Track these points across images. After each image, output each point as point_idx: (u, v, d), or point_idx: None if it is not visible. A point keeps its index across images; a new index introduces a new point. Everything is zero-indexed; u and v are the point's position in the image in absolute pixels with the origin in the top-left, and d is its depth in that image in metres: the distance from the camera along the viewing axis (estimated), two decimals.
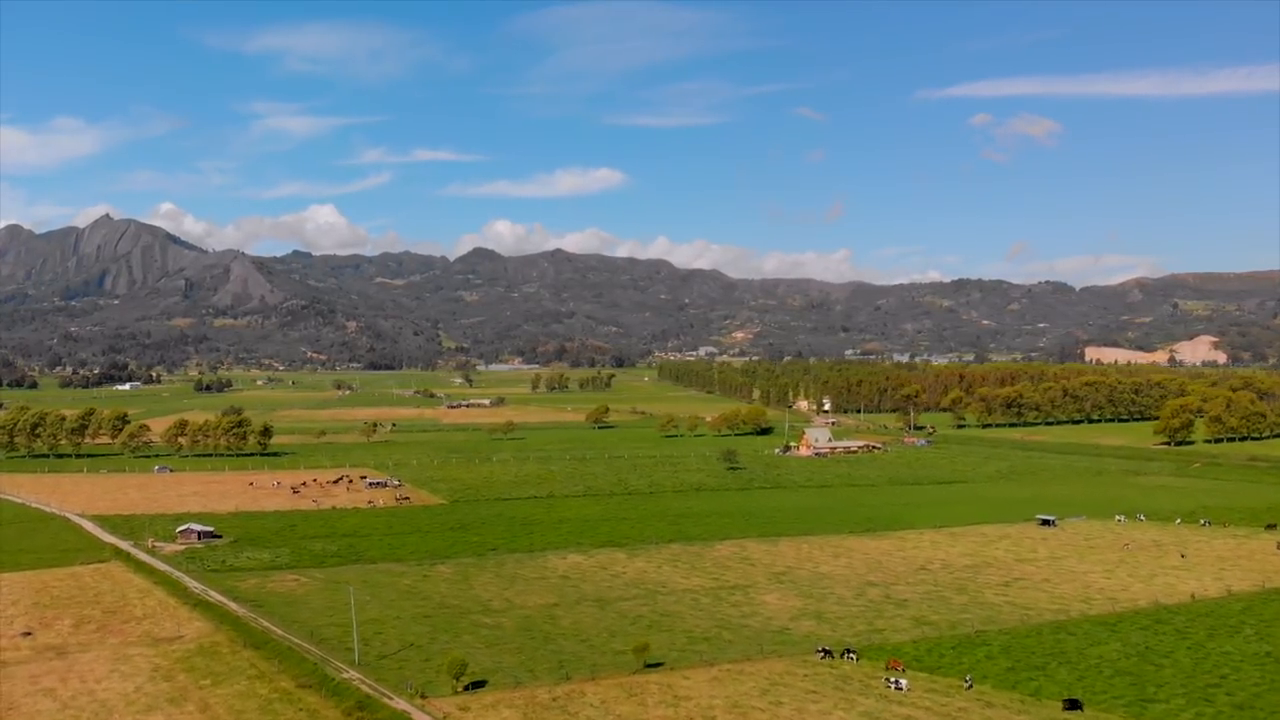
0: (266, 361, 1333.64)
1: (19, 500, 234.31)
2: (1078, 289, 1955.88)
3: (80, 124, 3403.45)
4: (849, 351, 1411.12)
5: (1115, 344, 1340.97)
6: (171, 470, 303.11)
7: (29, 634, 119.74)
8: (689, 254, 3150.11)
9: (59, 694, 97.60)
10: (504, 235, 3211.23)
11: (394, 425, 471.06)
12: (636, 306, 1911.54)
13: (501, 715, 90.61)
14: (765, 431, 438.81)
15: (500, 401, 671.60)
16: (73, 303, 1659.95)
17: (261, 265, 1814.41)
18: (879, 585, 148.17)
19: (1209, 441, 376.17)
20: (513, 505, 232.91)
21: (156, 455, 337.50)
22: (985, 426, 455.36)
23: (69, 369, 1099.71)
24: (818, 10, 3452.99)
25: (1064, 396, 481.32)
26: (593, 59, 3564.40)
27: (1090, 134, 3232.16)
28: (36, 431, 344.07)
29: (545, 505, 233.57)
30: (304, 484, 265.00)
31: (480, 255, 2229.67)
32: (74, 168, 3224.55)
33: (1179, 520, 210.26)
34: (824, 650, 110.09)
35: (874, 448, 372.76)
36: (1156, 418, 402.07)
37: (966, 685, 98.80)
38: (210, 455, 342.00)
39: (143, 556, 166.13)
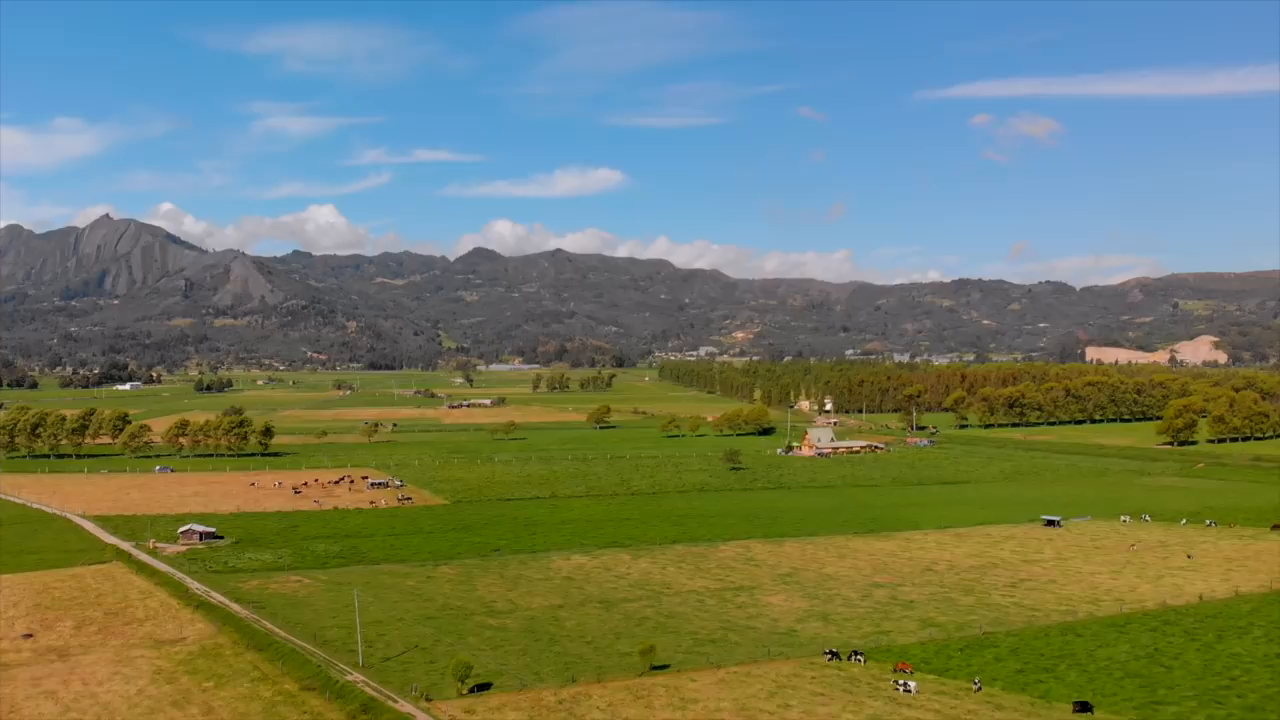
0: (267, 361, 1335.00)
1: (20, 501, 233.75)
2: (1078, 289, 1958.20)
3: (80, 124, 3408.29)
4: (849, 351, 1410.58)
5: (1116, 344, 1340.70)
6: (173, 470, 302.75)
7: (30, 636, 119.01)
8: (689, 254, 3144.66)
9: (60, 696, 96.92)
10: (504, 235, 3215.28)
11: (395, 425, 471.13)
12: (637, 306, 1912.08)
13: (507, 718, 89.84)
14: (767, 432, 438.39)
15: (501, 402, 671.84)
16: (73, 303, 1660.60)
17: (261, 265, 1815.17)
18: (885, 586, 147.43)
19: (1212, 441, 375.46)
20: (515, 506, 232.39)
21: (157, 455, 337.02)
22: (987, 427, 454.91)
23: (69, 369, 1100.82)
24: (818, 10, 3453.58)
25: (1066, 397, 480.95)
26: (592, 59, 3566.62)
27: (1090, 134, 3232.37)
28: (37, 432, 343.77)
29: (548, 506, 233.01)
30: (306, 484, 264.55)
31: (480, 255, 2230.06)
32: (74, 168, 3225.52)
33: (1184, 521, 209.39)
34: (831, 652, 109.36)
35: (876, 448, 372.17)
36: (1159, 418, 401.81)
37: (975, 687, 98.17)
38: (211, 455, 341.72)
39: (144, 558, 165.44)
